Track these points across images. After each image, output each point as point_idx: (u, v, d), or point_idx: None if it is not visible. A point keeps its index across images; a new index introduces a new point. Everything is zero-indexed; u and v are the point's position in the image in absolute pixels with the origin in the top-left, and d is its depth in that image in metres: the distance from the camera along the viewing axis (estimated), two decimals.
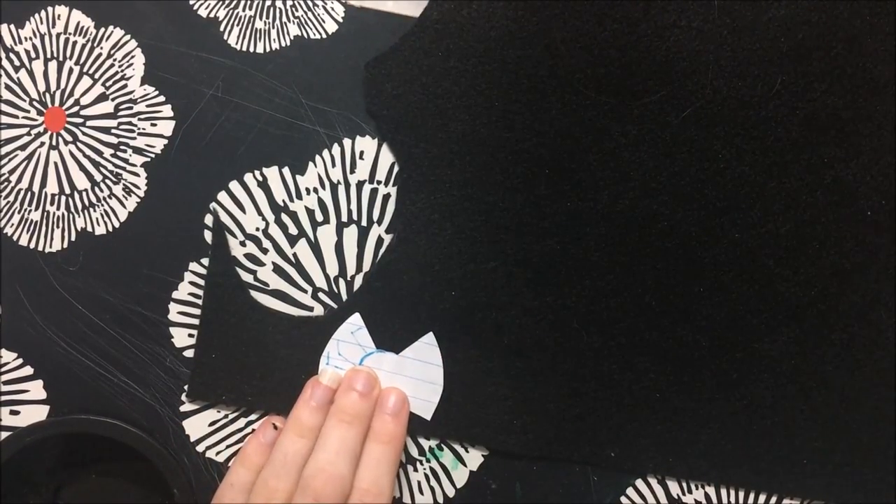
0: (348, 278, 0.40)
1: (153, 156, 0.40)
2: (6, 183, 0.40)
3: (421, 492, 0.40)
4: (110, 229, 0.40)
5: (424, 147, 0.39)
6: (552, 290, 0.39)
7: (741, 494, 0.40)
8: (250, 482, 0.36)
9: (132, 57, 0.40)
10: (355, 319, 0.39)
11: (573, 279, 0.39)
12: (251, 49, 0.40)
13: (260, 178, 0.40)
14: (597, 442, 0.40)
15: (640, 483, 0.40)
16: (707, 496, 0.40)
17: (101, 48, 0.40)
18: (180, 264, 0.40)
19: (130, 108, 0.40)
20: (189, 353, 0.40)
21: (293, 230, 0.40)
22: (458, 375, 0.39)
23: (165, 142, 0.40)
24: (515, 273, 0.39)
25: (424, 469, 0.40)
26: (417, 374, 0.39)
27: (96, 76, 0.40)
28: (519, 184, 0.39)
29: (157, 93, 0.40)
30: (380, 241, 0.40)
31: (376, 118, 0.40)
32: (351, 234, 0.40)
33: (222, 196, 0.40)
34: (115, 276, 0.40)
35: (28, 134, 0.40)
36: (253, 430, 0.40)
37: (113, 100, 0.40)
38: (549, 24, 0.39)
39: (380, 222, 0.40)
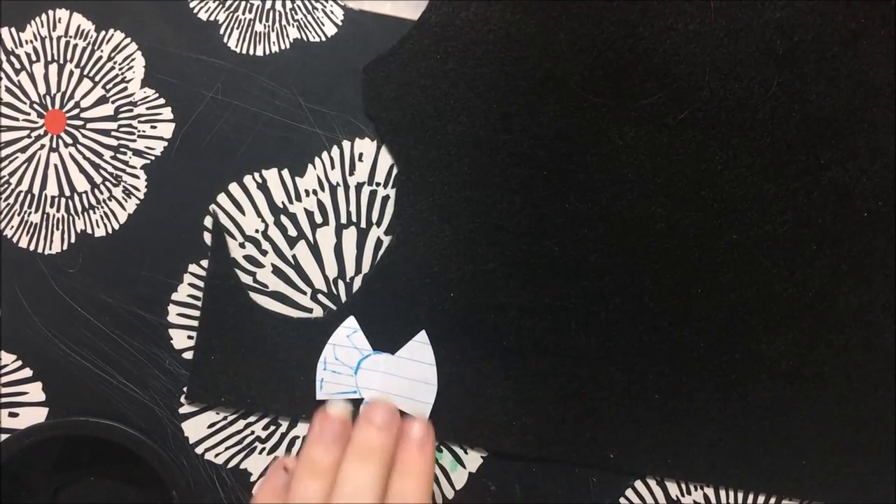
0: (347, 280, 0.40)
1: (153, 158, 0.40)
2: (6, 185, 0.40)
3: None
4: (110, 231, 0.40)
5: (423, 149, 0.39)
6: (551, 291, 0.39)
7: (740, 496, 0.40)
8: None
9: (132, 60, 0.40)
10: (350, 323, 0.39)
11: (572, 280, 0.39)
12: (251, 52, 0.40)
13: (259, 180, 0.40)
14: (596, 443, 0.40)
15: (638, 484, 0.40)
16: (706, 497, 0.40)
17: (102, 51, 0.40)
18: (180, 266, 0.40)
19: (130, 110, 0.40)
20: (188, 355, 0.40)
21: (292, 232, 0.40)
22: (457, 377, 0.39)
23: (165, 144, 0.40)
24: (514, 274, 0.39)
25: None
26: (413, 374, 0.39)
27: (97, 79, 0.40)
28: (517, 185, 0.39)
29: (157, 95, 0.40)
30: (379, 242, 0.40)
31: (375, 120, 0.40)
32: (350, 235, 0.40)
33: (222, 198, 0.40)
34: (115, 278, 0.40)
35: (28, 136, 0.40)
36: (255, 434, 0.40)
37: (113, 102, 0.40)
38: (547, 27, 0.39)
39: (379, 224, 0.40)
